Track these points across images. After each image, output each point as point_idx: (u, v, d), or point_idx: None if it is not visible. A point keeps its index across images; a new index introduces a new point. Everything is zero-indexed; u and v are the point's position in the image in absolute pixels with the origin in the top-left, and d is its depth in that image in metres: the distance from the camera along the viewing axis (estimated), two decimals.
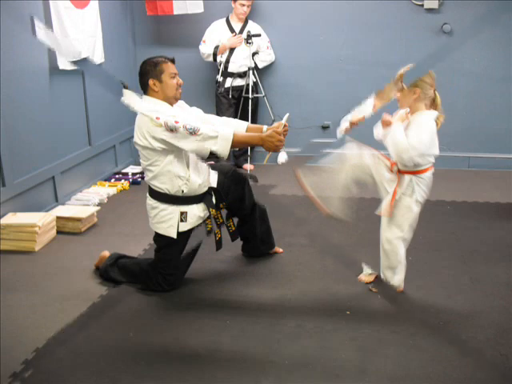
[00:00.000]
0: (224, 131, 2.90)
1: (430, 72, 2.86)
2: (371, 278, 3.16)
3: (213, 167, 3.33)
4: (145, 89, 3.04)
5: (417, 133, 2.81)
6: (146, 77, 3.00)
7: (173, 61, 3.07)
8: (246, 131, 3.15)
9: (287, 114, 3.05)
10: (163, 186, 3.02)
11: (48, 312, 2.92)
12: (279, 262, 3.50)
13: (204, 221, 3.16)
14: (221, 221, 3.17)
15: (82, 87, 4.85)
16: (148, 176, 3.07)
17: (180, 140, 2.87)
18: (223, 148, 2.89)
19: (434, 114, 2.86)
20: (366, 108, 2.97)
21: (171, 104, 3.04)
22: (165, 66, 3.00)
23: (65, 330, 2.73)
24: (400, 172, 2.91)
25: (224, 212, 3.29)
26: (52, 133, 4.39)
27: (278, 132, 2.93)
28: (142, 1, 5.62)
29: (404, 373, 2.38)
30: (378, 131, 3.02)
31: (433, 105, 2.90)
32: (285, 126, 2.98)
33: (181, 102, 3.17)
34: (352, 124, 2.96)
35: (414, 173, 2.89)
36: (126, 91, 3.04)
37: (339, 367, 2.43)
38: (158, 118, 2.86)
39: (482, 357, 2.49)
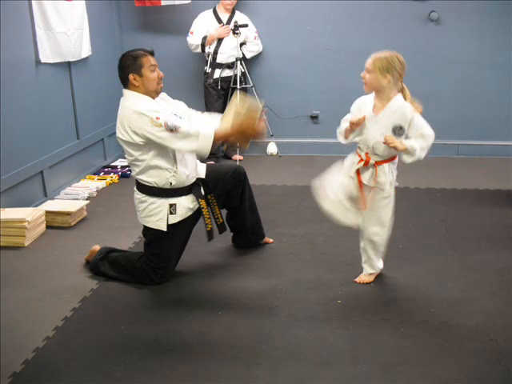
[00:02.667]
0: (205, 129, 2.88)
1: (402, 61, 2.73)
2: (371, 278, 3.07)
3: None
4: (125, 83, 3.00)
5: (421, 122, 2.78)
6: (126, 71, 2.95)
7: (152, 53, 3.03)
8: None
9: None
10: (151, 179, 3.01)
11: (40, 307, 2.91)
12: (270, 253, 3.50)
13: (197, 214, 3.15)
14: (207, 216, 3.15)
15: (68, 80, 4.81)
16: (135, 171, 3.06)
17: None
18: (205, 147, 2.88)
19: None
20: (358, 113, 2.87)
21: (153, 98, 3.00)
22: (144, 60, 2.96)
23: (57, 324, 2.72)
24: (377, 163, 2.86)
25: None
26: (39, 127, 4.35)
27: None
28: None
29: (395, 360, 2.40)
30: (345, 135, 2.93)
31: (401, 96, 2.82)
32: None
33: (164, 95, 3.13)
34: (352, 124, 2.82)
35: (391, 160, 2.89)
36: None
37: (331, 356, 2.44)
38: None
39: (472, 342, 2.50)
